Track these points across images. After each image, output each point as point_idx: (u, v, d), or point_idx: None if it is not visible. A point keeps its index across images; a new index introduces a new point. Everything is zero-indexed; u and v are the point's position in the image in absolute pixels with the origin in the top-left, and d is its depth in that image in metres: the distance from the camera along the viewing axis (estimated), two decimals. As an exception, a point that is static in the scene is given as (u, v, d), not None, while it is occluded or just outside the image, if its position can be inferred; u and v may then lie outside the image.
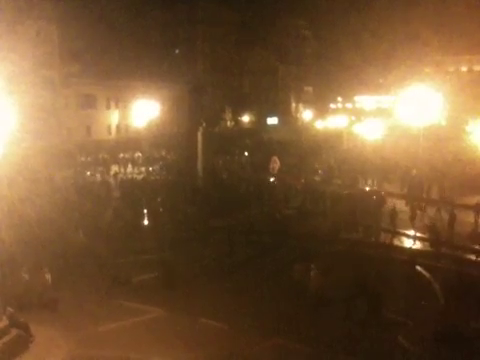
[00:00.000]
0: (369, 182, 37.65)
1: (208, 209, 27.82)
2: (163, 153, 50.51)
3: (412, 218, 26.32)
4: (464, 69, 56.83)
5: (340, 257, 21.08)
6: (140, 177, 39.28)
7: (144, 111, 45.00)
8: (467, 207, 27.00)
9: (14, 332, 13.96)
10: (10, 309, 14.31)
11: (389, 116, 55.89)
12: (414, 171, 34.31)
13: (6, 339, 13.53)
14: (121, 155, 46.54)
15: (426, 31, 42.21)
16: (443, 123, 48.27)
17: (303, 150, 52.10)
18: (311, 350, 14.31)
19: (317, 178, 39.53)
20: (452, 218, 24.68)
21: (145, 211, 29.02)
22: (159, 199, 30.69)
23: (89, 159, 44.60)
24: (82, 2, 49.16)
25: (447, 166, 36.82)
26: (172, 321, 15.86)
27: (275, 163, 37.92)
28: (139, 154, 47.42)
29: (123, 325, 15.60)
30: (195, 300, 17.14)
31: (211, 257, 21.01)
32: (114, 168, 42.41)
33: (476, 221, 25.37)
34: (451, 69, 49.32)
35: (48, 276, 17.03)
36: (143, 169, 43.49)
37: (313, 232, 25.03)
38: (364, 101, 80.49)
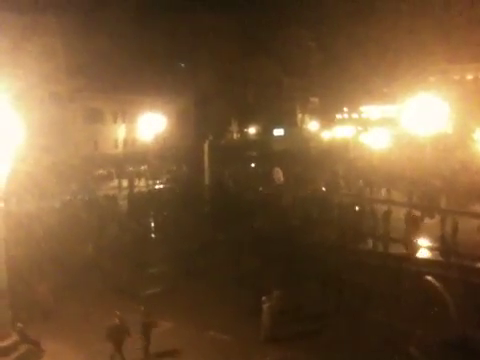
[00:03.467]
0: (375, 191, 37.57)
1: (215, 220, 27.83)
2: (170, 166, 50.70)
3: (420, 228, 26.19)
4: (470, 77, 56.75)
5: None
6: (147, 190, 39.43)
7: (150, 125, 45.24)
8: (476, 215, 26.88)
9: (24, 347, 13.97)
10: (20, 325, 14.33)
11: (395, 125, 55.85)
12: (437, 183, 33.98)
13: (16, 354, 13.56)
14: (129, 169, 46.77)
15: (431, 40, 42.24)
16: (449, 132, 48.12)
17: (309, 160, 52.14)
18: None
19: (323, 188, 39.58)
20: (455, 227, 24.53)
21: (152, 224, 29.07)
22: (166, 212, 30.77)
23: (96, 173, 44.81)
24: (87, 17, 49.65)
25: (454, 175, 36.67)
26: (180, 334, 15.82)
27: (278, 173, 38.21)
28: (145, 167, 47.63)
29: (131, 340, 15.56)
30: (202, 312, 17.11)
31: (218, 268, 20.96)
32: (122, 182, 42.61)
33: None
34: (456, 77, 49.33)
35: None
36: (150, 182, 43.66)
37: (320, 242, 24.95)
38: (370, 111, 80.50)
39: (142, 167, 47.68)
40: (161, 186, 41.64)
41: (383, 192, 37.03)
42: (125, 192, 38.46)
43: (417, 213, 28.25)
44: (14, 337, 13.82)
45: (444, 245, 23.44)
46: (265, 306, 15.65)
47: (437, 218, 28.26)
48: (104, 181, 43.43)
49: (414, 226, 26.05)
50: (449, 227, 24.83)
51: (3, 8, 40.13)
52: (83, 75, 50.01)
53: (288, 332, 15.77)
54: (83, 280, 19.45)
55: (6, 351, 13.38)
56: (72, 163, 41.38)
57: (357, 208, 29.92)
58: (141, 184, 43.08)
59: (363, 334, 15.46)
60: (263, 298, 15.82)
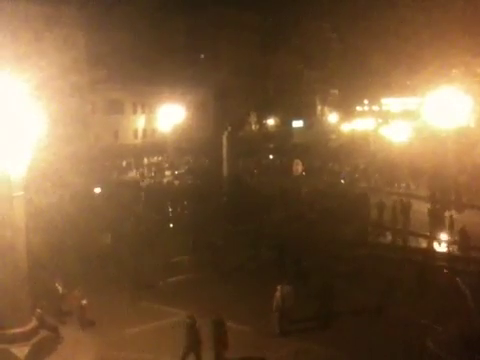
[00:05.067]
0: (396, 185, 37.27)
1: (233, 212, 27.86)
2: (188, 157, 50.87)
3: (440, 222, 25.91)
4: (493, 70, 55.51)
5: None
6: (165, 181, 39.62)
7: (169, 116, 45.42)
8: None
9: (43, 333, 14.19)
10: (39, 310, 14.55)
11: (416, 118, 55.19)
12: (463, 177, 33.62)
13: (36, 340, 13.77)
14: (146, 160, 47.09)
15: (453, 31, 41.44)
16: (472, 125, 47.32)
17: (329, 153, 51.91)
18: (337, 354, 14.19)
19: (342, 181, 39.43)
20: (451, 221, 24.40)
21: (170, 214, 29.21)
22: (184, 203, 30.90)
23: (116, 163, 45.18)
24: (108, 9, 49.82)
25: (476, 169, 36.16)
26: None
27: (298, 165, 38.06)
28: (163, 158, 47.89)
29: (149, 327, 15.71)
30: (220, 303, 17.16)
31: (236, 261, 21.01)
32: (141, 172, 42.93)
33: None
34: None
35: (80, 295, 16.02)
36: (168, 173, 43.85)
37: (339, 236, 24.87)
38: (391, 103, 79.67)
39: (160, 158, 47.91)
40: (179, 177, 41.75)
41: (403, 185, 36.75)
42: (144, 182, 38.70)
43: (438, 207, 27.96)
44: (33, 323, 14.04)
45: (464, 239, 23.14)
46: (276, 297, 15.62)
47: (457, 212, 28.03)
48: (124, 171, 43.76)
49: (435, 220, 25.81)
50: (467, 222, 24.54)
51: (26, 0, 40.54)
52: (104, 66, 50.26)
53: (302, 326, 15.76)
54: (101, 269, 19.68)
55: (26, 336, 13.61)
56: (92, 153, 41.74)
57: (377, 201, 29.64)
58: (159, 175, 43.29)
59: (380, 328, 15.38)
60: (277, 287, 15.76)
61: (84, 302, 15.58)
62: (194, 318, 13.61)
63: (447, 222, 25.99)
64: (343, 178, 40.18)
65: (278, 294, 15.64)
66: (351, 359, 14.07)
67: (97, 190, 33.07)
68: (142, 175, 41.84)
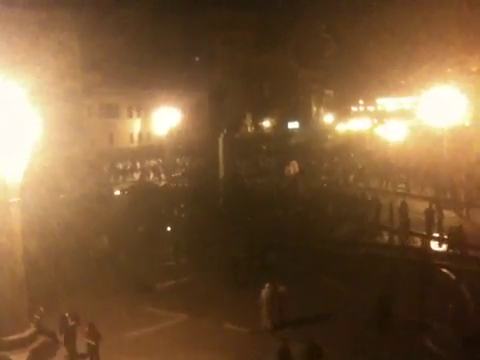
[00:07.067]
0: (391, 184, 37.29)
1: (229, 214, 27.85)
2: (185, 160, 50.85)
3: (438, 221, 25.89)
4: (488, 68, 55.50)
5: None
6: (162, 184, 39.58)
7: (165, 119, 45.39)
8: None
9: (41, 339, 14.17)
10: (37, 316, 14.52)
11: (411, 117, 55.28)
12: (462, 177, 33.61)
13: (34, 346, 13.75)
14: (140, 164, 47.06)
15: (449, 30, 41.51)
16: (467, 124, 47.44)
17: (324, 153, 52.03)
18: (336, 354, 14.17)
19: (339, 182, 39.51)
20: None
21: (167, 217, 29.16)
22: (181, 205, 30.86)
23: (112, 167, 45.12)
24: (102, 13, 49.79)
25: (471, 168, 36.22)
26: (196, 326, 15.92)
27: (292, 167, 37.95)
28: (160, 160, 47.90)
29: (148, 331, 15.72)
30: (218, 305, 17.18)
31: (232, 261, 20.98)
32: (136, 176, 42.92)
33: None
34: (475, 69, 48.49)
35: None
36: (164, 176, 43.85)
37: (336, 236, 24.90)
38: (386, 103, 79.75)
39: (154, 161, 47.91)
40: (176, 180, 41.72)
41: (400, 185, 36.77)
42: (141, 186, 38.61)
43: (434, 206, 27.95)
44: (31, 328, 14.00)
45: (460, 238, 23.15)
46: (261, 294, 15.68)
47: (454, 211, 28.07)
48: (120, 175, 43.72)
49: (431, 219, 25.80)
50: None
51: (20, 4, 40.46)
52: (98, 71, 50.26)
53: (301, 326, 15.73)
54: (98, 273, 19.64)
55: (24, 342, 13.59)
56: (88, 158, 41.65)
57: (373, 200, 29.63)
58: (156, 178, 43.26)
59: (380, 328, 15.36)
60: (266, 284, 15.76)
61: (93, 343, 13.77)
62: (287, 342, 12.94)
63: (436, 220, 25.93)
64: (338, 179, 40.25)
65: (263, 291, 15.74)
66: (350, 359, 14.08)
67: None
68: (142, 178, 41.79)
